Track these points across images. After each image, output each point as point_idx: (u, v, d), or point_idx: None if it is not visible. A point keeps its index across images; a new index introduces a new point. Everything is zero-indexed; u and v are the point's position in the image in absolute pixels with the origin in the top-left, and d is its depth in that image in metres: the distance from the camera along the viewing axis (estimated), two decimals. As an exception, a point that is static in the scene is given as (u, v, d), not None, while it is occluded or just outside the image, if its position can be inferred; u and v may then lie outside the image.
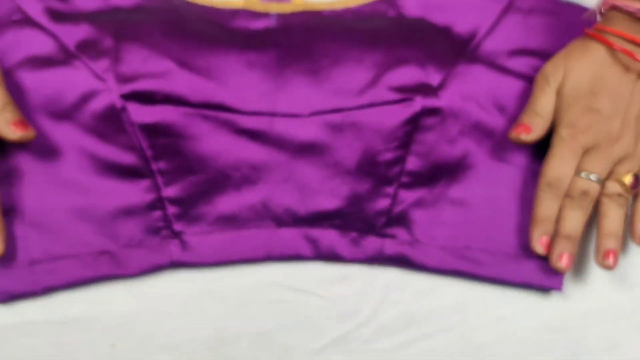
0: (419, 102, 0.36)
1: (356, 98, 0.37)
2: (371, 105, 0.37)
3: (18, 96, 0.38)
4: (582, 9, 0.43)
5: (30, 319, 0.38)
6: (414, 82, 0.37)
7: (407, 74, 0.37)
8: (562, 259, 0.37)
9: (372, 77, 0.37)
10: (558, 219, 0.38)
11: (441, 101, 0.37)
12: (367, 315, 0.39)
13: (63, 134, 0.38)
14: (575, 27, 0.42)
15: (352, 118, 0.37)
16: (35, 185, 0.38)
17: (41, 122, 0.38)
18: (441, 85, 0.37)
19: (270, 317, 0.39)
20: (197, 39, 0.38)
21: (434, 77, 0.37)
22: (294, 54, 0.39)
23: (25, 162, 0.38)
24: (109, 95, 0.36)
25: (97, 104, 0.36)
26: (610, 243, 0.37)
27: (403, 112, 0.37)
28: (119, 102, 0.35)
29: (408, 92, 0.37)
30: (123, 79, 0.36)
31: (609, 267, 0.37)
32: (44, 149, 0.38)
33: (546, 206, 0.38)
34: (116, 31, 0.37)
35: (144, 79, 0.36)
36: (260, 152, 0.38)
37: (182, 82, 0.36)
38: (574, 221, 0.37)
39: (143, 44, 0.37)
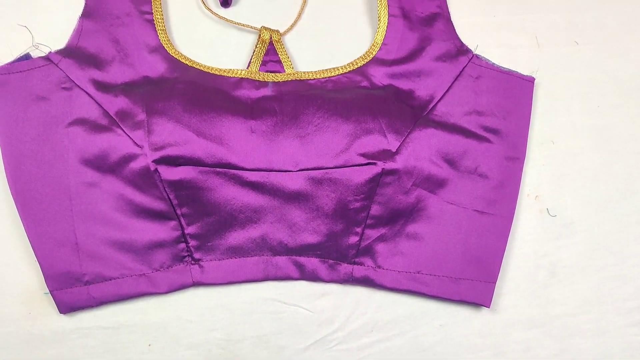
0: (380, 166, 0.47)
1: (333, 160, 0.47)
2: (344, 166, 0.47)
3: (73, 149, 0.48)
4: (521, 76, 0.52)
5: (86, 325, 0.48)
6: (377, 149, 0.47)
7: (372, 142, 0.47)
8: None
9: (345, 144, 0.47)
10: None
11: (398, 164, 0.47)
12: (341, 323, 0.50)
13: (108, 183, 0.48)
14: (516, 91, 0.52)
15: (330, 175, 0.47)
16: (88, 224, 0.47)
17: (91, 173, 0.48)
18: (398, 151, 0.47)
19: (268, 324, 0.49)
20: (210, 110, 0.48)
21: (393, 144, 0.47)
22: (285, 122, 0.48)
23: (79, 206, 0.47)
24: (145, 159, 0.46)
25: (135, 165, 0.46)
26: None
27: (368, 172, 0.47)
28: (152, 166, 0.46)
29: (372, 157, 0.47)
30: (154, 148, 0.46)
31: None
32: (93, 196, 0.47)
33: None
34: (147, 105, 0.47)
35: (170, 147, 0.46)
36: (259, 199, 0.48)
37: (199, 148, 0.46)
38: None
39: (169, 118, 0.47)
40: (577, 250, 0.51)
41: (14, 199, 0.48)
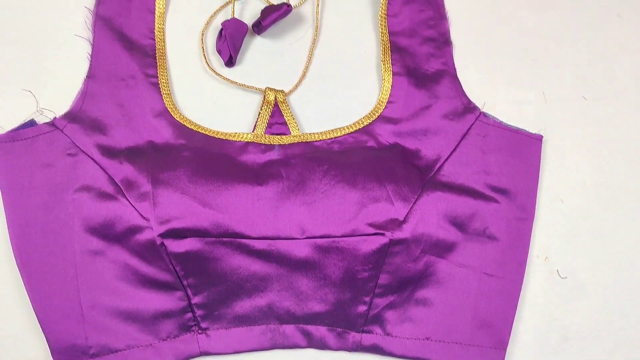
0: (388, 236, 0.46)
1: (340, 228, 0.47)
2: (351, 235, 0.47)
3: (78, 216, 0.47)
4: (529, 135, 0.52)
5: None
6: (385, 218, 0.47)
7: (379, 211, 0.47)
8: None
9: (352, 213, 0.47)
10: None
11: (405, 233, 0.46)
12: (349, 391, 0.49)
13: (114, 253, 0.47)
14: (524, 149, 0.51)
15: (337, 244, 0.47)
16: (93, 294, 0.47)
17: (96, 242, 0.47)
18: (406, 219, 0.47)
19: (276, 392, 0.49)
20: (216, 179, 0.47)
21: (400, 212, 0.47)
22: (292, 188, 0.48)
23: (84, 275, 0.47)
24: (151, 233, 0.46)
25: (141, 237, 0.46)
26: None
27: (376, 242, 0.46)
28: (158, 240, 0.46)
29: (380, 227, 0.46)
30: (160, 221, 0.45)
31: None
32: (99, 265, 0.47)
33: None
34: (152, 176, 0.47)
35: (176, 220, 0.46)
36: (266, 268, 0.48)
37: (205, 219, 0.46)
38: None
39: (174, 190, 0.46)
40: (589, 313, 0.50)
41: (20, 270, 0.47)
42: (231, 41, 0.53)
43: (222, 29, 0.54)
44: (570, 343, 0.50)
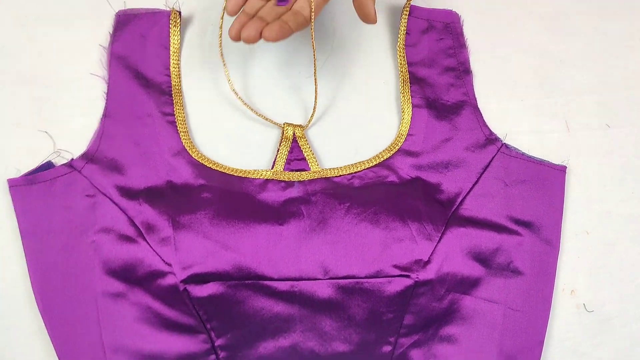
0: (413, 278, 0.46)
1: (363, 269, 0.46)
2: (375, 276, 0.46)
3: (98, 259, 0.47)
4: (553, 166, 0.51)
5: None
6: (409, 259, 0.46)
7: (403, 252, 0.46)
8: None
9: (375, 253, 0.46)
10: None
11: (430, 274, 0.46)
12: None
13: (135, 295, 0.47)
14: (547, 181, 0.50)
15: (360, 285, 0.46)
16: (116, 337, 0.47)
17: (117, 284, 0.47)
18: (430, 259, 0.46)
19: None
20: (237, 221, 0.47)
21: (425, 252, 0.46)
22: (313, 227, 0.48)
23: (106, 318, 0.47)
24: (173, 278, 0.45)
25: (163, 282, 0.46)
26: None
27: (400, 284, 0.46)
28: (181, 286, 0.45)
29: (404, 268, 0.46)
30: (183, 267, 0.45)
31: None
32: (120, 307, 0.47)
33: None
34: (173, 219, 0.47)
35: (199, 265, 0.45)
36: (289, 309, 0.47)
37: (227, 263, 0.46)
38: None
39: (196, 234, 0.46)
40: (617, 347, 0.49)
41: (42, 314, 0.47)
42: None
43: None
44: (599, 379, 0.49)
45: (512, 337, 0.48)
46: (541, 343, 0.48)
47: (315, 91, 0.52)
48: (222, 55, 0.51)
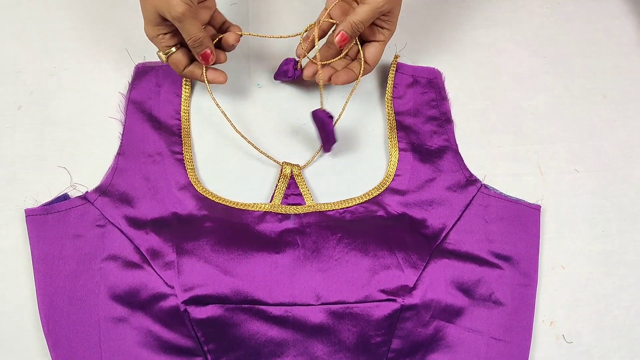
0: (400, 302, 0.49)
1: (353, 295, 0.49)
2: (364, 301, 0.49)
3: (104, 284, 0.50)
4: (528, 205, 0.55)
5: None
6: (395, 285, 0.49)
7: (390, 278, 0.49)
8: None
9: (365, 279, 0.50)
10: None
11: (415, 299, 0.49)
12: None
13: (137, 320, 0.49)
14: (524, 218, 0.54)
15: (351, 310, 0.49)
16: (115, 357, 0.49)
17: (120, 309, 0.50)
18: (415, 286, 0.50)
19: None
20: (236, 249, 0.50)
21: (410, 279, 0.50)
22: (307, 255, 0.51)
23: (107, 342, 0.49)
24: (175, 300, 0.48)
25: (165, 304, 0.49)
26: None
27: (387, 308, 0.49)
28: (182, 307, 0.48)
29: (391, 293, 0.49)
30: (185, 289, 0.48)
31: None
32: (122, 332, 0.49)
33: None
34: (177, 246, 0.50)
35: (200, 288, 0.48)
36: (282, 333, 0.50)
37: (226, 287, 0.49)
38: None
39: (198, 259, 0.50)
40: (596, 377, 0.52)
41: (46, 337, 0.49)
42: (326, 129, 0.55)
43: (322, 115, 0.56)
44: (580, 408, 0.51)
45: (496, 366, 0.51)
46: (524, 372, 0.51)
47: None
48: (211, 95, 0.57)
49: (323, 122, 0.55)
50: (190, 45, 0.52)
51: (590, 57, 0.63)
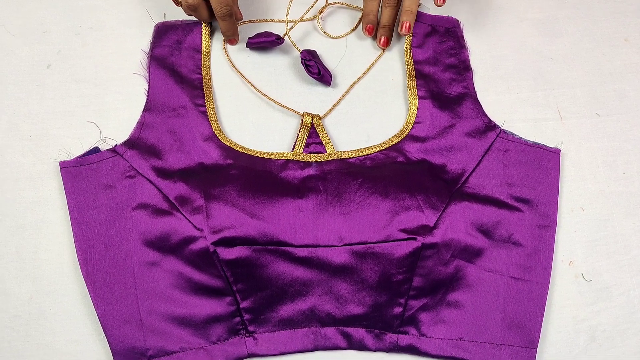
0: (420, 240, 0.50)
1: (375, 235, 0.51)
2: (386, 241, 0.51)
3: (136, 232, 0.52)
4: (547, 148, 0.56)
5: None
6: (416, 224, 0.51)
7: (411, 219, 0.51)
8: (381, 41, 0.61)
9: (386, 220, 0.51)
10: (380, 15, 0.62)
11: (436, 238, 0.50)
12: (388, 390, 0.52)
13: (168, 263, 0.52)
14: (543, 162, 0.55)
15: (373, 249, 0.51)
16: (151, 302, 0.51)
17: (152, 254, 0.52)
18: (436, 225, 0.51)
19: (318, 392, 0.52)
20: (261, 194, 0.52)
21: (431, 219, 0.51)
22: (330, 200, 0.53)
23: (142, 285, 0.51)
24: (204, 242, 0.50)
25: (195, 246, 0.51)
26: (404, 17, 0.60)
27: (408, 247, 0.50)
28: (211, 247, 0.50)
29: (412, 232, 0.50)
30: (213, 231, 0.50)
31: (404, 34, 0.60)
32: (155, 275, 0.52)
33: (370, 5, 0.62)
34: (205, 192, 0.52)
35: (228, 230, 0.50)
36: (307, 273, 0.52)
37: (253, 229, 0.51)
38: (387, 15, 0.61)
39: (225, 203, 0.51)
40: (615, 314, 0.52)
41: (85, 280, 0.52)
42: (320, 65, 0.60)
43: (302, 59, 0.60)
44: (598, 342, 0.52)
45: (515, 304, 0.52)
46: (543, 309, 0.52)
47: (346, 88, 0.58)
48: (227, 56, 0.58)
49: (307, 63, 0.59)
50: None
51: (611, 1, 0.63)
